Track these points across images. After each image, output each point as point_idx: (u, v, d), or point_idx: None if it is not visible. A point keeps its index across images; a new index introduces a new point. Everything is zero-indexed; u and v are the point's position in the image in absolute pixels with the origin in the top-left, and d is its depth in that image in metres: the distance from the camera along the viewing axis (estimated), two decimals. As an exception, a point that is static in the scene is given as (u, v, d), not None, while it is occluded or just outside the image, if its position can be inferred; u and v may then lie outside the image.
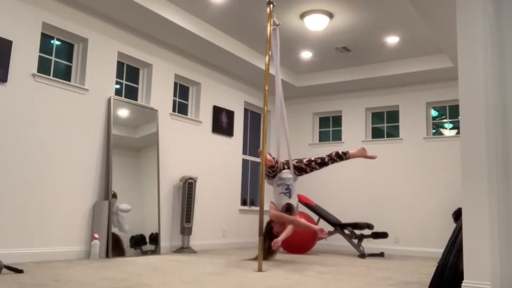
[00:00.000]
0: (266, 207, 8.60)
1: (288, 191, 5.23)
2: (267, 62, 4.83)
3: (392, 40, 6.66)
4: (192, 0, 5.65)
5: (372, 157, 5.44)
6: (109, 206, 5.31)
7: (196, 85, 7.19)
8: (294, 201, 5.26)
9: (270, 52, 4.84)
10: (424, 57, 7.25)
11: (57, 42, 5.33)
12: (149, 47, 6.26)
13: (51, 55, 5.24)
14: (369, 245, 7.50)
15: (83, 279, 3.50)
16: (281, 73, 7.90)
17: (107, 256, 5.23)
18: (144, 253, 5.65)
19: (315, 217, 7.33)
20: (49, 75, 5.14)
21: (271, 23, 4.85)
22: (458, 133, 7.57)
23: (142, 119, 6.04)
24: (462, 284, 3.06)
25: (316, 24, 5.94)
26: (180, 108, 7.00)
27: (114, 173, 5.49)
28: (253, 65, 7.25)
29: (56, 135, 5.01)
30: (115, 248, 5.28)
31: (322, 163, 5.40)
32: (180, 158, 6.65)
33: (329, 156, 5.41)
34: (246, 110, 8.38)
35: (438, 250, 6.87)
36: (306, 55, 7.39)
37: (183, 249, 6.26)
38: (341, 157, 5.37)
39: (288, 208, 5.19)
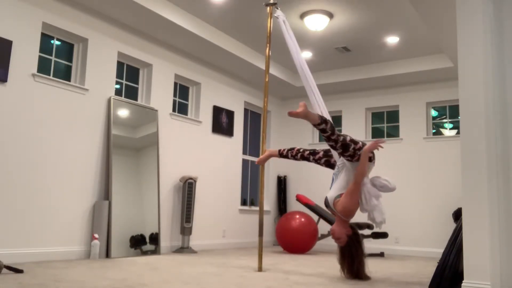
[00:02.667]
0: (266, 207, 8.62)
1: (331, 183, 4.27)
2: (267, 58, 4.83)
3: (392, 40, 6.66)
4: (192, 0, 5.65)
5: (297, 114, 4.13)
6: (109, 206, 5.31)
7: (196, 85, 7.19)
8: (331, 192, 4.15)
9: (269, 51, 4.84)
10: (424, 57, 7.25)
11: (57, 42, 5.33)
12: (149, 47, 6.26)
13: (51, 55, 5.24)
14: (369, 245, 7.47)
15: (83, 279, 3.50)
16: (280, 73, 7.91)
17: (107, 256, 5.23)
18: (144, 253, 5.65)
19: (315, 217, 7.32)
20: (49, 75, 5.14)
21: (274, 18, 4.82)
22: (458, 133, 7.56)
23: (142, 119, 6.04)
24: (462, 284, 3.06)
25: (316, 24, 5.93)
26: (180, 108, 7.00)
27: (114, 173, 5.49)
28: (253, 65, 7.25)
29: (56, 135, 5.01)
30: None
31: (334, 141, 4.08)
32: (180, 158, 6.65)
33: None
34: (246, 110, 8.38)
35: (438, 250, 6.86)
36: (306, 55, 7.39)
37: (183, 249, 6.26)
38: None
39: (325, 203, 4.25)
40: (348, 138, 3.95)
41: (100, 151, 5.48)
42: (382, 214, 3.82)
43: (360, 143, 3.98)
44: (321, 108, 4.53)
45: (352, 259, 3.99)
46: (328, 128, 3.94)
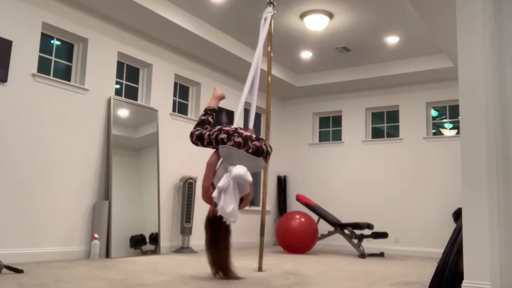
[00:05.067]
0: (267, 207, 8.60)
1: None
2: (269, 59, 4.83)
3: (392, 40, 6.66)
4: (192, 0, 5.65)
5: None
6: (109, 206, 5.31)
7: (196, 85, 7.19)
8: None
9: (271, 52, 4.84)
10: (424, 57, 7.25)
11: (57, 42, 5.33)
12: (149, 47, 6.25)
13: (51, 55, 5.24)
14: (369, 245, 7.50)
15: (83, 279, 3.50)
16: (281, 73, 7.91)
17: (107, 256, 5.23)
18: (144, 253, 5.65)
19: (315, 217, 7.33)
20: (49, 75, 5.14)
21: (267, 13, 4.78)
22: (458, 133, 7.56)
23: (142, 119, 6.04)
24: (462, 284, 3.06)
25: (316, 24, 5.93)
26: (180, 108, 6.99)
27: (114, 173, 5.49)
28: (253, 65, 7.24)
29: (56, 135, 5.01)
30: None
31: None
32: (180, 158, 6.65)
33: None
34: (246, 110, 8.37)
35: (438, 250, 6.87)
36: (306, 55, 7.39)
37: (183, 249, 6.25)
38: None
39: None
40: (204, 132, 3.84)
41: (100, 151, 5.48)
42: (221, 209, 3.47)
43: (215, 129, 3.74)
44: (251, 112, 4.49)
45: (222, 248, 3.72)
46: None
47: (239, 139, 3.61)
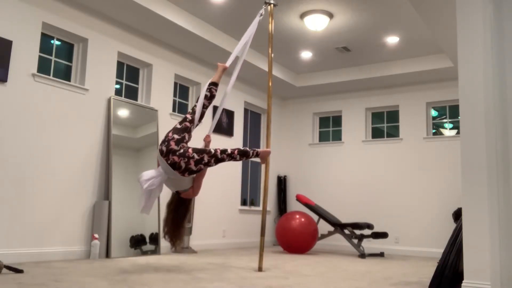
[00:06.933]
0: (268, 207, 8.60)
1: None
2: (269, 61, 4.83)
3: (392, 40, 6.66)
4: (192, 0, 5.65)
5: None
6: (109, 206, 5.31)
7: (196, 85, 7.19)
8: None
9: (271, 53, 4.84)
10: (424, 57, 7.25)
11: (57, 42, 5.33)
12: (149, 47, 6.25)
13: (51, 55, 5.24)
14: (369, 245, 7.50)
15: (83, 279, 3.50)
16: (281, 73, 7.91)
17: (107, 256, 5.23)
18: (144, 253, 5.65)
19: (315, 217, 7.33)
20: (49, 75, 5.14)
21: (265, 17, 4.83)
22: (458, 133, 7.56)
23: (142, 119, 6.04)
24: (462, 284, 3.06)
25: (316, 24, 5.94)
26: (180, 108, 6.99)
27: (114, 173, 5.49)
28: (253, 65, 7.24)
29: (56, 135, 5.01)
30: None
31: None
32: (180, 158, 6.64)
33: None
34: (246, 110, 8.38)
35: (438, 250, 6.87)
36: (306, 55, 7.39)
37: (183, 249, 6.25)
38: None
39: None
40: None
41: (100, 151, 5.48)
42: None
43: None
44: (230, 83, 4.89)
45: (176, 218, 4.30)
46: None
47: (161, 146, 4.12)
